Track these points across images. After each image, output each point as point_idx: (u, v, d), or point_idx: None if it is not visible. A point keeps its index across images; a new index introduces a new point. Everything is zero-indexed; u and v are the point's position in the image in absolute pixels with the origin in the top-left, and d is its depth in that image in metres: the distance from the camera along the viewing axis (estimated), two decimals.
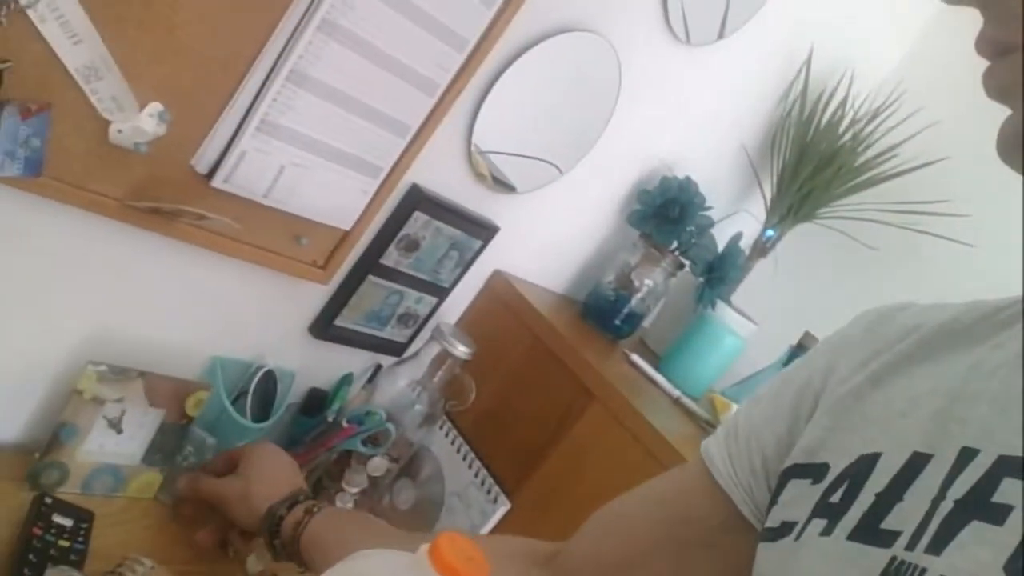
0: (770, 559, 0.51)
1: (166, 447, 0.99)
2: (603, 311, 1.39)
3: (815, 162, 1.47)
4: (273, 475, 0.96)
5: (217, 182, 0.88)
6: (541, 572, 0.74)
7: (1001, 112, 0.39)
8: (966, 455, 0.43)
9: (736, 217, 1.51)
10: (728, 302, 1.46)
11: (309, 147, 0.92)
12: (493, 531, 1.18)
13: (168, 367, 0.98)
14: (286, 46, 0.85)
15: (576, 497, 1.15)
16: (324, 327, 1.12)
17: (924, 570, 0.41)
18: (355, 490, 1.19)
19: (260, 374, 1.07)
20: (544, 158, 1.25)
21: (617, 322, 1.39)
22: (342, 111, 0.93)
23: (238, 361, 1.07)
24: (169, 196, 0.86)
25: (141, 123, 0.80)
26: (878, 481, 0.47)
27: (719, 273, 1.40)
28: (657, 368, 1.40)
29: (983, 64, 0.39)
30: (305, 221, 0.98)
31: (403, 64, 0.94)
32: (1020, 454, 0.41)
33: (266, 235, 0.97)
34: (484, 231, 1.20)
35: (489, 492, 1.18)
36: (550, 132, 1.22)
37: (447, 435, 1.25)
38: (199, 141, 0.86)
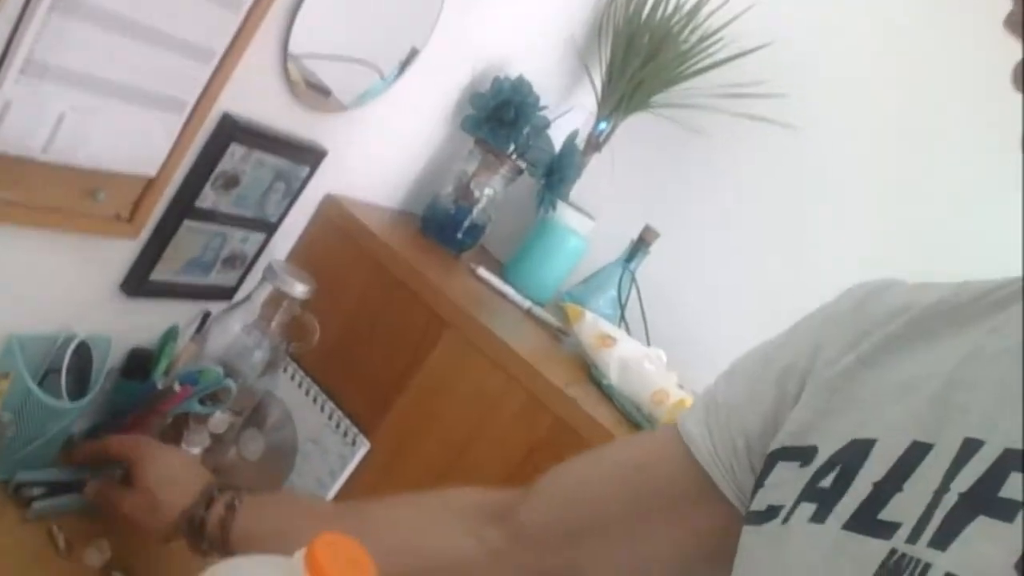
0: (757, 543, 0.50)
1: None
2: (444, 225, 1.32)
3: (644, 50, 1.43)
4: (173, 476, 0.88)
5: None
6: (495, 531, 0.71)
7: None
8: (970, 446, 0.42)
9: (570, 113, 1.46)
10: (568, 201, 1.43)
11: (93, 88, 0.77)
12: (354, 473, 1.13)
13: None
14: None
15: (440, 430, 1.11)
16: (138, 283, 0.99)
17: (928, 565, 0.39)
18: (197, 450, 1.09)
19: (72, 346, 0.93)
20: (363, 59, 1.13)
21: (459, 235, 1.33)
22: (129, 40, 0.77)
23: (42, 336, 0.92)
24: None
25: None
26: (874, 469, 0.45)
27: (558, 174, 1.36)
28: (503, 276, 1.37)
29: None
30: (100, 173, 0.84)
31: None
32: None
33: (53, 195, 0.82)
34: (310, 156, 1.09)
35: (346, 434, 1.13)
36: (370, 33, 1.11)
37: (293, 378, 1.17)
38: None
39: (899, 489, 0.44)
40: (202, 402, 1.04)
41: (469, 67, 1.30)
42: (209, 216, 1.00)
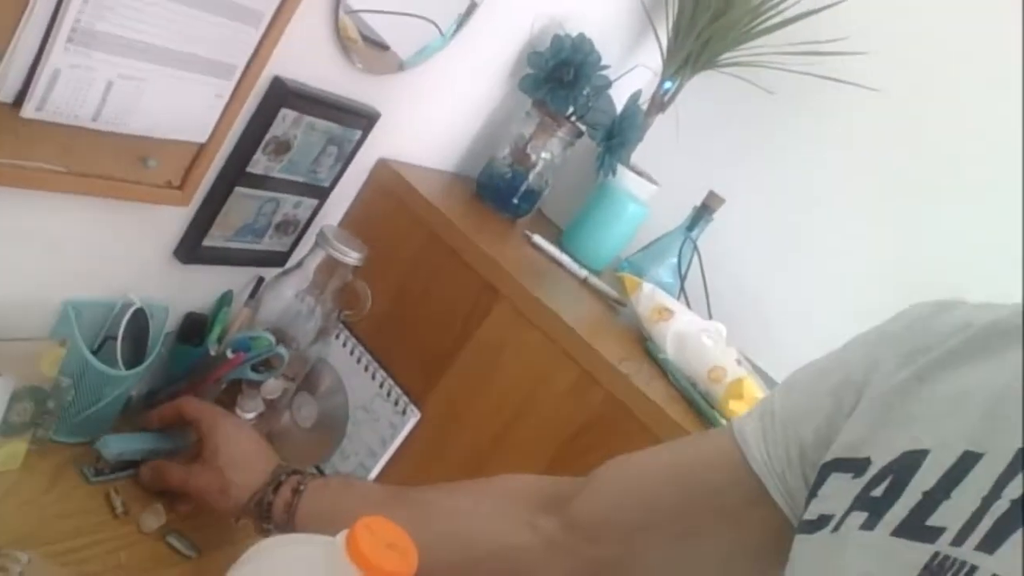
0: (808, 551, 0.51)
1: (27, 412, 0.86)
2: (499, 190, 1.29)
3: (713, 6, 1.36)
4: (246, 458, 0.90)
5: (28, 112, 0.71)
6: (549, 520, 0.73)
7: None
8: (1023, 457, 0.43)
9: (633, 73, 1.40)
10: (629, 165, 1.38)
11: (141, 54, 0.76)
12: (405, 443, 1.12)
13: (17, 327, 0.84)
14: None
15: (489, 402, 1.09)
16: (191, 250, 0.99)
17: (975, 567, 0.41)
18: (251, 415, 1.10)
19: (129, 314, 0.93)
20: (421, 14, 1.10)
21: (515, 201, 1.29)
22: (177, 5, 0.75)
23: (98, 303, 0.93)
24: None
25: None
26: (925, 479, 0.46)
27: (619, 138, 1.31)
28: (560, 244, 1.33)
29: None
30: (150, 140, 0.83)
31: None
32: None
33: (104, 163, 0.81)
34: (363, 120, 1.06)
35: (397, 403, 1.12)
36: None
37: (345, 345, 1.16)
38: None
39: (947, 497, 0.45)
40: (255, 369, 1.04)
41: (528, 24, 1.25)
42: (260, 182, 0.99)
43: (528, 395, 1.07)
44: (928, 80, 1.32)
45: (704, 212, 1.35)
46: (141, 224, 0.92)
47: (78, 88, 0.73)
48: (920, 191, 1.32)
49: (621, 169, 1.35)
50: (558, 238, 1.37)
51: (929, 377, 0.52)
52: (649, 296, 1.19)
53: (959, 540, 0.42)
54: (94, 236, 0.89)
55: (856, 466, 0.51)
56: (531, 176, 1.29)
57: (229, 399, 1.08)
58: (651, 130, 1.44)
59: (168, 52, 0.78)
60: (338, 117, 1.02)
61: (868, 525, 0.47)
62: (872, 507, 0.48)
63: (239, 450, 0.91)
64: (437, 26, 1.12)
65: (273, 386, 1.09)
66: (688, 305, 1.31)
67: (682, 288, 1.36)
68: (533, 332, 1.07)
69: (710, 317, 1.30)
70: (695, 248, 1.37)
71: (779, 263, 1.42)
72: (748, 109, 1.44)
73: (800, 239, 1.41)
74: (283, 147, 0.98)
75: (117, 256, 0.93)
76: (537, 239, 1.27)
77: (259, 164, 0.97)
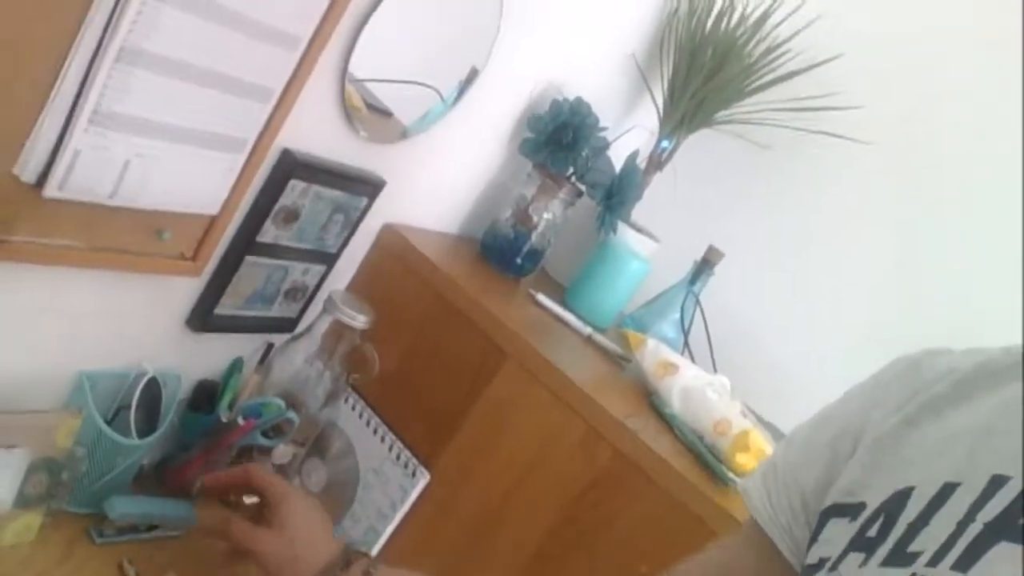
0: None
1: (41, 483, 0.87)
2: (503, 251, 1.32)
3: (707, 66, 1.40)
4: (314, 536, 0.88)
5: (50, 191, 0.73)
6: None
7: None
8: (997, 481, 0.45)
9: (630, 134, 1.44)
10: (629, 222, 1.41)
11: (156, 133, 0.79)
12: (415, 505, 1.12)
13: (34, 399, 0.85)
14: (111, 17, 0.70)
15: (498, 462, 1.10)
16: (203, 319, 1.00)
17: None
18: None
19: (142, 383, 0.95)
20: (422, 81, 1.14)
21: (519, 261, 1.32)
22: (190, 85, 0.79)
23: (112, 373, 0.95)
24: None
25: None
26: (910, 513, 0.49)
27: (619, 196, 1.34)
28: (563, 302, 1.35)
29: None
30: (164, 214, 0.85)
31: (256, 21, 0.80)
32: None
33: (121, 237, 0.84)
34: (369, 187, 1.09)
35: (406, 465, 1.12)
36: (429, 56, 1.11)
37: (354, 409, 1.17)
38: (20, 145, 0.71)
39: (927, 524, 0.47)
40: (265, 434, 1.05)
41: (527, 89, 1.29)
42: (270, 251, 1.01)
43: (536, 453, 1.08)
44: (916, 131, 1.35)
45: (705, 266, 1.38)
46: (154, 295, 0.94)
47: (97, 167, 0.76)
48: (913, 236, 1.35)
49: (622, 227, 1.38)
50: (562, 296, 1.39)
51: (918, 421, 0.54)
52: (653, 352, 1.21)
53: (935, 561, 0.44)
54: (109, 308, 0.91)
55: (852, 511, 0.53)
56: (534, 236, 1.31)
57: (239, 465, 1.08)
58: (650, 188, 1.47)
59: (182, 130, 0.81)
60: (345, 186, 1.04)
61: (863, 563, 0.49)
62: (867, 547, 0.49)
63: (309, 525, 0.90)
64: (439, 92, 1.15)
65: (283, 451, 1.10)
66: (692, 359, 1.33)
67: (686, 343, 1.38)
68: (540, 390, 1.08)
69: (715, 370, 1.31)
70: (697, 302, 1.38)
71: (780, 314, 1.44)
72: (744, 165, 1.48)
73: (799, 289, 1.43)
74: (292, 216, 1.00)
75: (131, 327, 0.95)
76: (541, 298, 1.29)
77: (268, 233, 0.99)
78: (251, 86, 0.84)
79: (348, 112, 1.02)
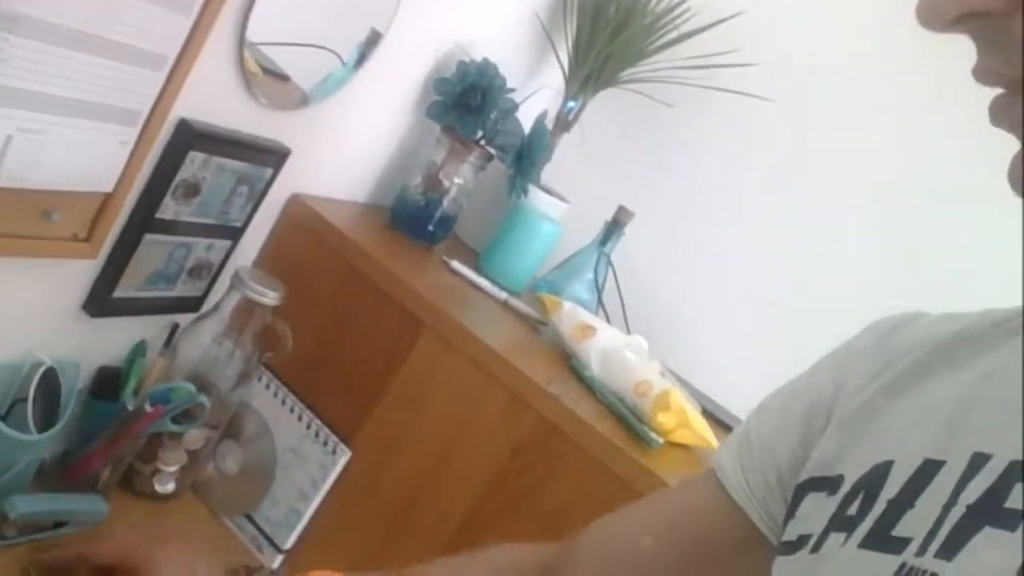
0: (787, 573, 0.51)
1: None
2: (414, 218, 1.29)
3: (611, 24, 1.39)
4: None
5: None
6: None
7: None
8: (978, 460, 0.43)
9: (538, 95, 1.42)
10: (539, 185, 1.40)
11: (40, 105, 0.72)
12: (337, 483, 1.10)
13: None
14: None
15: (422, 433, 1.08)
16: (101, 303, 0.94)
17: (935, 575, 0.40)
18: (173, 468, 1.06)
19: (39, 374, 0.89)
20: (321, 44, 1.09)
21: (430, 227, 1.29)
22: (76, 53, 0.72)
23: (5, 365, 0.88)
24: None
25: None
26: (889, 490, 0.47)
27: (528, 159, 1.32)
28: (477, 268, 1.34)
29: None
30: (53, 193, 0.79)
31: None
32: None
33: (6, 220, 0.77)
34: (273, 157, 1.04)
35: (326, 443, 1.10)
36: (327, 18, 1.06)
37: (268, 388, 1.13)
38: None
39: (911, 506, 0.45)
40: (175, 420, 1.00)
41: (432, 51, 1.25)
42: (171, 227, 0.96)
43: (459, 423, 1.07)
44: (813, 85, 1.38)
45: (615, 227, 1.38)
46: (46, 280, 0.88)
47: None
48: (813, 191, 1.39)
49: (532, 189, 1.37)
50: (475, 262, 1.37)
51: (895, 391, 0.52)
52: (570, 314, 1.21)
53: (922, 550, 0.42)
54: None
55: (830, 484, 0.51)
56: (445, 202, 1.29)
57: (150, 452, 1.04)
58: (558, 149, 1.46)
59: (68, 102, 0.75)
60: (247, 156, 0.99)
61: (844, 543, 0.47)
62: (848, 526, 0.47)
63: (179, 568, 0.81)
64: (339, 55, 1.11)
65: (195, 436, 1.06)
66: (608, 320, 1.34)
67: (600, 303, 1.38)
68: (459, 359, 1.07)
69: (628, 331, 1.32)
70: (609, 263, 1.39)
71: (690, 272, 1.46)
72: (650, 123, 1.48)
73: (707, 246, 1.46)
74: (192, 190, 0.95)
75: (22, 314, 0.89)
76: (455, 264, 1.27)
77: (168, 209, 0.94)
78: (143, 53, 0.78)
79: (246, 77, 0.96)
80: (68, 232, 0.84)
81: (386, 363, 1.10)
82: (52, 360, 0.91)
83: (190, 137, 0.90)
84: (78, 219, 0.84)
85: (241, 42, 0.92)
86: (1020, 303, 0.51)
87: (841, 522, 0.48)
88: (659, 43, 1.42)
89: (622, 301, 1.41)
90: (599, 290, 1.38)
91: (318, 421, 1.11)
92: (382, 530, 1.10)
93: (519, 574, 0.74)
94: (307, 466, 1.11)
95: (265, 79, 1.00)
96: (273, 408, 1.13)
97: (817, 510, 0.51)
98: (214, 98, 0.92)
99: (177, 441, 1.04)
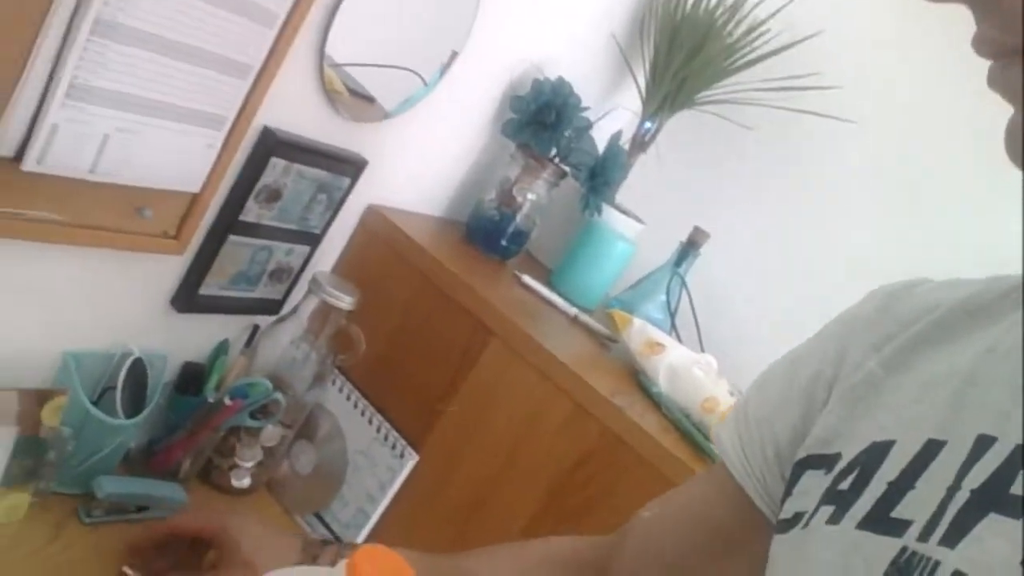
0: (781, 550, 0.50)
1: (28, 463, 0.87)
2: (488, 232, 1.32)
3: (688, 45, 1.40)
4: (267, 541, 0.83)
5: (28, 165, 0.73)
6: None
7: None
8: (983, 443, 0.41)
9: (613, 114, 1.44)
10: (614, 204, 1.42)
11: (135, 107, 0.79)
12: (404, 486, 1.12)
13: (18, 378, 0.85)
14: None
15: (486, 440, 1.10)
16: (188, 299, 1.00)
17: (938, 563, 0.39)
18: (250, 464, 1.11)
19: (128, 364, 0.95)
20: (404, 66, 1.14)
21: (503, 242, 1.32)
22: (168, 60, 0.79)
23: (98, 354, 0.94)
24: None
25: None
26: (890, 470, 0.45)
27: (602, 177, 1.34)
28: (550, 284, 1.35)
29: None
30: (145, 190, 0.85)
31: None
32: None
33: (101, 214, 0.84)
34: (351, 167, 1.09)
35: (394, 447, 1.12)
36: (410, 39, 1.11)
37: (341, 391, 1.17)
38: None
39: (912, 487, 0.44)
40: (253, 416, 1.05)
41: (508, 70, 1.29)
42: (253, 230, 1.01)
43: (524, 431, 1.08)
44: (899, 109, 1.36)
45: (690, 247, 1.38)
46: (138, 274, 0.94)
47: (76, 141, 0.76)
48: (898, 213, 1.35)
49: (607, 208, 1.38)
50: (547, 279, 1.39)
51: (897, 365, 0.50)
52: (640, 331, 1.21)
53: (925, 535, 0.41)
54: (92, 287, 0.91)
55: (827, 462, 0.50)
56: (518, 217, 1.31)
57: (228, 447, 1.08)
58: (634, 170, 1.48)
59: (161, 105, 0.81)
60: (327, 164, 1.04)
61: (834, 519, 0.46)
62: (839, 500, 0.46)
63: (256, 537, 0.84)
64: (420, 76, 1.15)
65: (271, 433, 1.10)
66: (679, 340, 1.33)
67: (672, 324, 1.38)
68: (526, 369, 1.08)
69: (701, 350, 1.31)
70: (683, 283, 1.39)
71: (766, 293, 1.44)
72: (728, 144, 1.48)
73: (785, 268, 1.44)
74: (274, 195, 1.00)
75: (115, 306, 0.95)
76: (527, 279, 1.29)
77: (251, 212, 0.99)
78: (229, 61, 0.84)
79: (329, 95, 1.02)
80: (159, 229, 0.90)
81: (455, 370, 1.12)
82: (141, 351, 0.97)
83: (272, 144, 0.96)
84: (168, 217, 0.90)
85: (321, 58, 0.97)
86: None
87: (832, 496, 0.47)
88: (736, 64, 1.43)
89: (696, 321, 1.40)
90: (672, 311, 1.38)
91: (387, 425, 1.14)
92: (446, 534, 1.12)
93: (569, 566, 0.74)
94: (376, 468, 1.13)
95: (349, 98, 1.06)
96: (345, 410, 1.17)
97: (813, 487, 0.50)
98: (296, 108, 0.98)
99: (254, 437, 1.09)
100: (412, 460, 1.12)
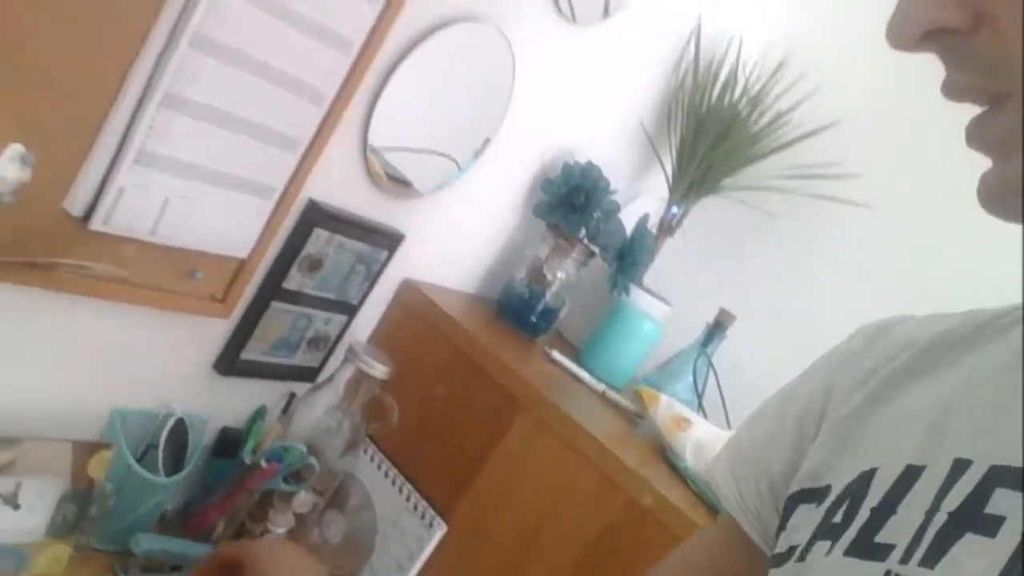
0: None
1: (72, 515, 0.90)
2: (518, 309, 1.36)
3: (713, 134, 1.47)
4: (292, 566, 0.79)
5: (96, 224, 0.79)
6: None
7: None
8: (959, 466, 0.43)
9: (641, 198, 1.49)
10: (641, 285, 1.45)
11: (194, 175, 0.85)
12: (432, 556, 1.13)
13: (66, 428, 0.89)
14: (156, 66, 0.77)
15: (515, 512, 1.11)
16: (230, 362, 1.04)
17: None
18: (282, 530, 1.12)
19: (170, 423, 0.98)
20: (440, 151, 1.20)
21: (533, 319, 1.36)
22: (226, 132, 0.85)
23: (143, 412, 0.98)
24: (43, 246, 0.77)
25: (1, 170, 0.71)
26: (873, 496, 0.46)
27: (630, 258, 1.39)
28: (578, 362, 1.38)
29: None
30: (198, 254, 0.91)
31: (287, 75, 0.87)
32: (1011, 463, 0.40)
33: (157, 274, 0.89)
34: (389, 240, 1.15)
35: (423, 516, 1.14)
36: (446, 126, 1.17)
37: (372, 459, 1.19)
38: (70, 181, 0.77)
39: (894, 512, 0.44)
40: (287, 480, 1.07)
41: (539, 154, 1.35)
42: (296, 298, 1.06)
43: (552, 502, 1.09)
44: (917, 196, 1.40)
45: (717, 329, 1.40)
46: (185, 335, 0.99)
47: (139, 204, 0.81)
48: (920, 299, 1.37)
49: (634, 289, 1.42)
50: (576, 357, 1.42)
51: (880, 397, 0.52)
52: (667, 407, 1.23)
53: (906, 557, 0.41)
54: (142, 345, 0.95)
55: (818, 495, 0.51)
56: (548, 295, 1.35)
57: (260, 511, 1.10)
58: (661, 252, 1.52)
59: (218, 173, 0.87)
60: (366, 237, 1.10)
61: (829, 551, 0.46)
62: (833, 534, 0.47)
63: (283, 561, 0.80)
64: (455, 161, 1.22)
65: (304, 499, 1.12)
66: (706, 418, 1.34)
67: (700, 404, 1.39)
68: (554, 441, 1.10)
69: (729, 428, 1.32)
70: (710, 364, 1.41)
71: (793, 372, 1.45)
72: (752, 228, 1.53)
73: (810, 348, 1.44)
74: (316, 264, 1.05)
75: (162, 366, 0.99)
76: (556, 355, 1.32)
77: (294, 280, 1.04)
78: (281, 136, 0.91)
79: (371, 175, 1.08)
80: (207, 292, 0.95)
81: (484, 442, 1.14)
82: (183, 412, 1.00)
83: (317, 215, 1.02)
84: (217, 281, 0.95)
85: (365, 133, 1.04)
86: (1006, 305, 0.51)
87: (827, 530, 0.48)
88: (761, 153, 1.48)
89: (723, 400, 1.41)
90: (699, 392, 1.39)
91: (417, 494, 1.15)
92: None
93: None
94: (405, 538, 1.14)
95: (388, 182, 1.12)
96: (376, 479, 1.18)
97: (806, 521, 0.50)
98: (339, 182, 1.04)
99: (287, 503, 1.11)
100: (441, 530, 1.13)
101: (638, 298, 1.43)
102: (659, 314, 1.45)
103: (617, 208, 1.37)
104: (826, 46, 1.50)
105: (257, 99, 0.86)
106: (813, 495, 0.51)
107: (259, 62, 0.83)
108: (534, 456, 1.12)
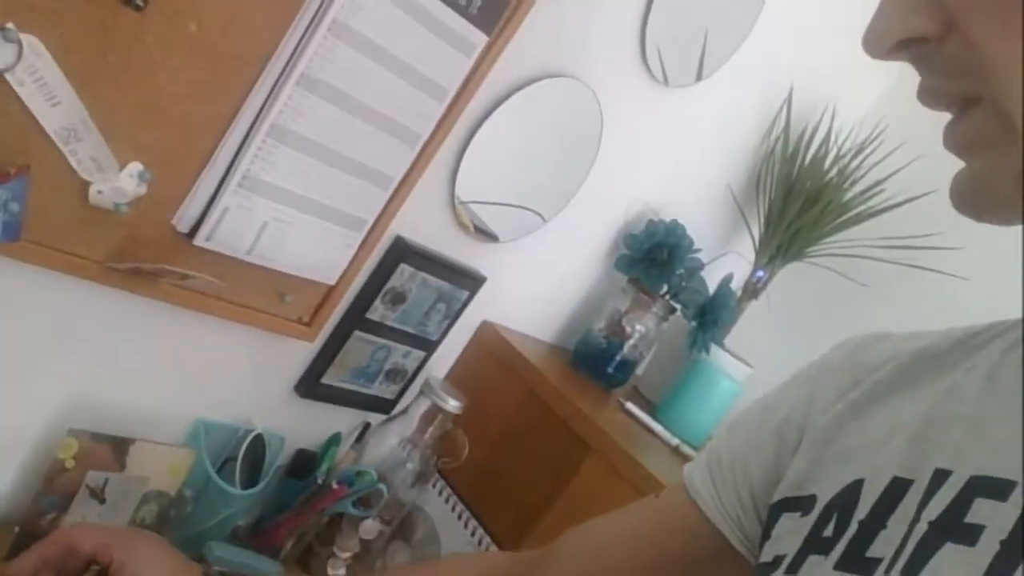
0: None
1: (152, 516, 0.95)
2: (595, 359, 1.37)
3: (802, 200, 1.46)
4: (159, 562, 0.74)
5: (199, 240, 0.86)
6: None
7: None
8: (939, 476, 0.43)
9: (725, 258, 1.50)
10: (722, 345, 1.45)
11: (292, 202, 0.91)
12: None
13: (152, 432, 0.95)
14: (266, 102, 0.84)
15: None
16: (311, 386, 1.09)
17: None
18: (347, 555, 1.15)
19: (249, 439, 1.03)
20: (527, 206, 1.24)
21: (610, 370, 1.36)
22: (324, 165, 0.91)
23: (224, 425, 1.04)
24: (150, 256, 0.84)
25: (121, 183, 0.78)
26: (861, 509, 0.47)
27: (711, 316, 1.39)
28: (654, 416, 1.38)
29: None
30: (289, 277, 0.96)
31: (384, 116, 0.93)
32: (991, 474, 0.41)
33: (250, 293, 0.95)
34: (470, 281, 1.19)
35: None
36: (532, 179, 1.22)
37: (440, 493, 1.22)
38: (180, 199, 0.84)
39: (884, 526, 0.45)
40: (355, 505, 1.10)
41: (624, 210, 1.38)
42: (377, 329, 1.10)
43: None
44: (1014, 267, 1.35)
45: None
46: (271, 355, 1.04)
47: (240, 225, 0.88)
48: None
49: (715, 349, 1.41)
50: (652, 412, 1.41)
51: (863, 410, 0.52)
52: None
53: (889, 568, 0.42)
54: (231, 360, 1.01)
55: (803, 504, 0.51)
56: (626, 347, 1.36)
57: (328, 535, 1.14)
58: (745, 315, 1.51)
59: (313, 203, 0.93)
60: (449, 276, 1.14)
61: (821, 565, 0.47)
62: (825, 548, 0.47)
63: (150, 560, 0.73)
64: (542, 216, 1.25)
65: (370, 527, 1.15)
66: None
67: None
68: (624, 485, 1.10)
69: None
70: None
71: None
72: (840, 296, 1.50)
73: None
74: (399, 298, 1.10)
75: (246, 382, 1.05)
76: (630, 406, 1.32)
77: (377, 311, 1.09)
78: (375, 172, 0.97)
79: (459, 224, 1.12)
80: (295, 315, 1.01)
81: (552, 482, 1.15)
82: (262, 429, 1.05)
83: (403, 250, 1.06)
84: (304, 305, 1.01)
85: (454, 174, 1.09)
86: (982, 323, 0.52)
87: (818, 544, 0.48)
88: (850, 220, 1.47)
89: None
90: None
91: (482, 530, 1.16)
92: None
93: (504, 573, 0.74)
94: None
95: (475, 234, 1.16)
96: (443, 514, 1.20)
97: (790, 530, 0.50)
98: (426, 221, 1.09)
99: (354, 528, 1.14)
100: None
101: (718, 357, 1.42)
102: (739, 375, 1.43)
103: (700, 266, 1.38)
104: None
105: (355, 136, 0.92)
106: (797, 504, 0.52)
107: (359, 102, 0.90)
108: (603, 500, 1.12)
